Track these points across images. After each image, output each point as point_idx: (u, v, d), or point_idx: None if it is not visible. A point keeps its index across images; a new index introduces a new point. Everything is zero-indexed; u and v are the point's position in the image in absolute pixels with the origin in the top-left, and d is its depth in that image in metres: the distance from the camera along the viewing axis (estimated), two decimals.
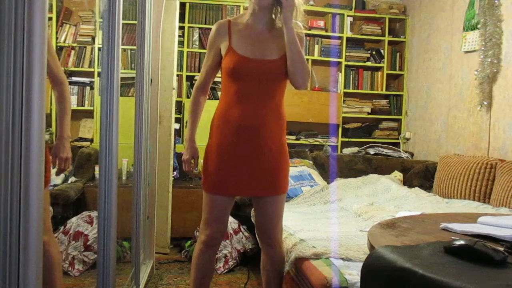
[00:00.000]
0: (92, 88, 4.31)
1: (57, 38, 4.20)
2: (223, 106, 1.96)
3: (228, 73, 1.91)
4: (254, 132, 1.90)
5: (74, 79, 4.29)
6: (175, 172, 3.89)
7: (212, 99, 4.24)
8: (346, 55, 4.77)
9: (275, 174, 1.95)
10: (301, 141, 4.66)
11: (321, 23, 4.75)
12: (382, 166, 4.11)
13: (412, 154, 4.60)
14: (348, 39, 4.78)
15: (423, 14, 4.54)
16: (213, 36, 1.97)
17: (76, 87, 4.30)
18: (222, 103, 1.97)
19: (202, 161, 2.05)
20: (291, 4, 1.84)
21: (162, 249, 3.49)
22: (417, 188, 3.59)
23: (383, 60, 4.83)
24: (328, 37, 4.73)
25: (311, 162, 4.02)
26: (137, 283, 2.61)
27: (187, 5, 4.45)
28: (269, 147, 1.93)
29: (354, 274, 1.80)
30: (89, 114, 4.30)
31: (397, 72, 4.89)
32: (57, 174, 2.00)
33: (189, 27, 4.49)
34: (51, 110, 4.00)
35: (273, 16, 1.95)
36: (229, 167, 1.93)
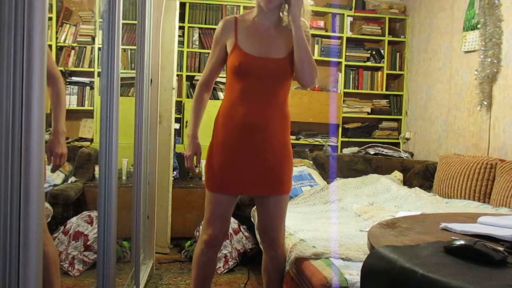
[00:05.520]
0: (92, 88, 4.31)
1: (57, 38, 4.21)
2: (227, 104, 1.94)
3: (234, 71, 1.90)
4: (258, 130, 1.89)
5: (74, 79, 4.29)
6: (175, 172, 3.89)
7: (212, 99, 4.24)
8: (346, 55, 4.77)
9: (279, 173, 1.94)
10: (301, 141, 4.66)
11: (321, 23, 4.75)
12: (382, 166, 4.11)
13: (412, 154, 4.60)
14: (348, 39, 4.78)
15: (423, 14, 4.54)
16: (219, 33, 1.96)
17: (76, 87, 4.30)
18: (227, 100, 1.95)
19: (203, 160, 2.04)
20: (300, 1, 1.83)
21: (162, 249, 3.49)
22: (417, 188, 3.59)
23: (383, 60, 4.84)
24: (328, 37, 4.73)
25: (311, 162, 4.02)
26: (137, 283, 2.61)
27: (187, 5, 4.46)
28: (272, 146, 1.92)
29: (354, 274, 1.80)
30: (89, 114, 4.30)
31: (397, 72, 4.89)
32: (53, 171, 1.97)
33: (189, 27, 4.49)
34: (51, 110, 3.99)
35: (281, 14, 1.94)
36: (233, 166, 1.91)
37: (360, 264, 1.30)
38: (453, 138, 4.01)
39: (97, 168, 3.50)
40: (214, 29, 2.01)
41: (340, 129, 4.77)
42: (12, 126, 0.91)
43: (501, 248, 1.20)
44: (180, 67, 4.43)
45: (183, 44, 4.46)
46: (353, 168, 4.10)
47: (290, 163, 2.00)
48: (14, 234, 0.92)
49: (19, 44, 0.90)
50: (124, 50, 4.16)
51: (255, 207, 2.46)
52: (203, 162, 2.67)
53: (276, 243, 2.04)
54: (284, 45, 1.90)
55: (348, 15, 4.76)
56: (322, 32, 4.73)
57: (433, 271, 1.05)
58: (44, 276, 1.02)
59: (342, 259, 2.00)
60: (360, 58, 4.84)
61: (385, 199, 3.30)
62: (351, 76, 4.83)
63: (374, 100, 4.89)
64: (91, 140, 4.24)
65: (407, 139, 4.78)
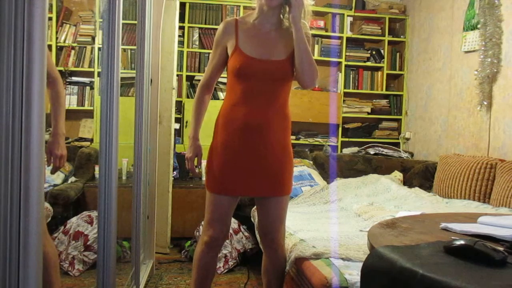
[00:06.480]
0: (92, 88, 4.31)
1: (57, 38, 4.20)
2: (228, 105, 1.94)
3: (234, 73, 1.90)
4: (259, 131, 1.89)
5: (74, 79, 4.29)
6: (175, 172, 3.89)
7: (212, 99, 4.24)
8: (346, 55, 4.77)
9: (279, 175, 1.94)
10: (301, 141, 4.66)
11: (321, 23, 4.75)
12: (382, 166, 4.11)
13: (412, 154, 4.60)
14: (348, 39, 4.78)
15: (423, 14, 4.54)
16: (220, 35, 1.96)
17: (76, 87, 4.30)
18: (227, 102, 1.95)
19: (204, 160, 2.05)
20: (300, 3, 1.83)
21: (162, 249, 3.49)
22: (417, 188, 3.59)
23: (383, 60, 4.84)
24: (328, 37, 4.73)
25: (311, 162, 4.02)
26: (137, 283, 2.61)
27: (187, 5, 4.45)
28: (273, 147, 1.92)
29: (354, 274, 1.80)
30: (89, 114, 4.30)
31: (397, 72, 4.89)
32: (52, 172, 1.99)
33: (189, 27, 4.49)
34: (50, 111, 4.00)
35: (281, 15, 1.94)
36: (234, 167, 1.91)
37: (360, 264, 1.30)
38: (453, 138, 4.01)
39: (97, 168, 3.50)
40: (214, 29, 2.02)
41: (340, 129, 4.77)
42: (12, 126, 0.91)
43: (501, 248, 1.20)
44: (180, 67, 4.42)
45: (183, 44, 4.46)
46: (353, 168, 4.10)
47: (290, 164, 2.01)
48: (14, 234, 0.92)
49: (19, 44, 0.90)
50: (124, 50, 4.16)
51: (255, 207, 2.46)
52: (204, 163, 2.66)
53: (276, 244, 2.04)
54: (285, 47, 1.91)
55: (348, 15, 4.76)
56: (322, 32, 4.73)
57: (433, 271, 1.05)
58: (44, 277, 1.02)
59: (342, 259, 2.00)
60: (360, 58, 4.84)
61: (385, 199, 3.30)
62: (351, 76, 4.83)
63: (374, 100, 4.89)
64: (91, 140, 4.24)
65: (407, 139, 4.78)
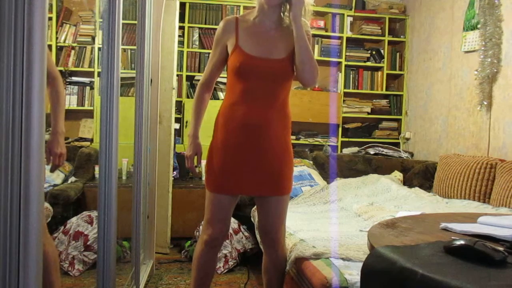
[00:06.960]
0: (92, 88, 4.31)
1: (57, 38, 4.20)
2: (228, 104, 1.94)
3: (234, 72, 1.89)
4: (259, 130, 1.89)
5: (74, 79, 4.29)
6: (175, 172, 3.89)
7: (212, 99, 4.24)
8: (346, 55, 4.77)
9: (279, 174, 1.94)
10: (301, 141, 4.66)
11: (321, 23, 4.75)
12: (382, 166, 4.11)
13: (412, 154, 4.60)
14: (348, 39, 4.78)
15: (423, 14, 4.54)
16: (220, 33, 1.95)
17: (76, 87, 4.30)
18: (227, 101, 1.95)
19: (204, 160, 2.04)
20: (301, 1, 1.83)
21: (162, 249, 3.49)
22: (417, 188, 3.59)
23: (383, 60, 4.84)
24: (328, 37, 4.73)
25: (311, 162, 4.02)
26: (137, 283, 2.61)
27: (187, 5, 4.45)
28: (273, 146, 1.91)
29: (354, 274, 1.80)
30: (89, 114, 4.30)
31: (397, 72, 4.89)
32: (52, 170, 1.99)
33: (189, 27, 4.49)
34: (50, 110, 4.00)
35: (282, 14, 1.93)
36: (234, 166, 1.91)
37: (360, 264, 1.30)
38: (453, 138, 4.01)
39: (97, 168, 3.50)
40: (214, 29, 2.02)
41: (340, 129, 4.77)
42: (12, 126, 0.91)
43: (501, 248, 1.20)
44: (180, 67, 4.42)
45: (183, 44, 4.46)
46: (353, 168, 4.10)
47: (290, 163, 2.00)
48: (14, 234, 0.92)
49: (19, 44, 0.90)
50: (124, 50, 4.16)
51: (255, 207, 2.46)
52: (204, 162, 2.67)
53: (276, 243, 2.04)
54: (285, 45, 1.90)
55: (348, 15, 4.76)
56: (322, 32, 4.72)
57: (433, 271, 1.05)
58: (44, 277, 1.02)
59: (342, 259, 2.00)
60: (360, 58, 4.84)
61: (385, 199, 3.30)
62: (351, 76, 4.83)
63: (374, 100, 4.89)
64: (91, 140, 4.24)
65: (407, 139, 4.78)
